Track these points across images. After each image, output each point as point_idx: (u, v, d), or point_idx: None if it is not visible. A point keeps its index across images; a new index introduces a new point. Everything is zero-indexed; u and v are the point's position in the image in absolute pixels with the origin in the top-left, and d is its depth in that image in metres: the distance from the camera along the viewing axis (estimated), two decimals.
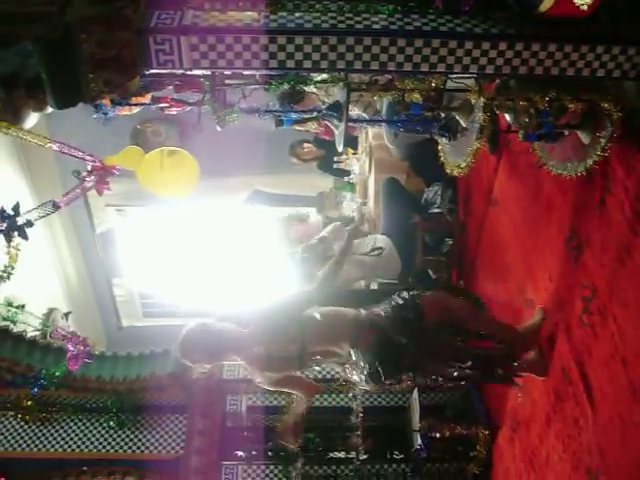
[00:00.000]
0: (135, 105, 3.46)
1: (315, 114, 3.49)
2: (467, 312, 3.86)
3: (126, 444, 5.14)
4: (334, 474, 5.21)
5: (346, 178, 7.71)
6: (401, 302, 3.71)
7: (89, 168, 4.35)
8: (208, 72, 2.94)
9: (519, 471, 4.43)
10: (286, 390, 3.98)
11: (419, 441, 4.94)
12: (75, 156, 4.10)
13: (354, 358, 3.68)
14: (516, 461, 4.47)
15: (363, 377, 3.69)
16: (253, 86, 3.16)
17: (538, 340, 4.03)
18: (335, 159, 7.49)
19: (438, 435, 4.95)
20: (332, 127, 3.40)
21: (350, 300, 3.93)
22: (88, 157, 4.19)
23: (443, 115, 3.40)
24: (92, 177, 4.31)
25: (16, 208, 3.79)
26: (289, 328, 3.68)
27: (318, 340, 3.72)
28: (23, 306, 4.45)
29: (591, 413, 3.49)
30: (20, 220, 3.89)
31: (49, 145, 3.93)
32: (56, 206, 3.95)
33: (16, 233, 3.83)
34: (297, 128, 6.29)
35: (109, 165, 4.36)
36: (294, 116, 3.44)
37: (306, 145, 7.69)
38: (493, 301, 5.05)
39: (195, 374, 5.17)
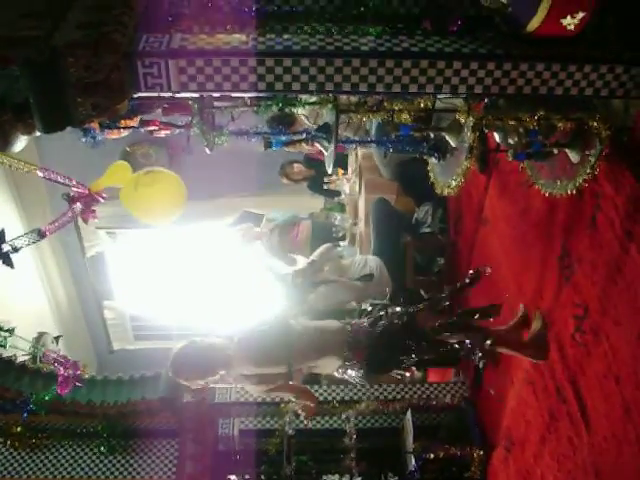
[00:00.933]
0: (124, 128, 3.46)
1: (305, 136, 3.49)
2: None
3: (117, 469, 5.06)
4: None
5: (336, 199, 7.71)
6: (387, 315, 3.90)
7: (74, 195, 4.30)
8: (196, 95, 2.94)
9: None
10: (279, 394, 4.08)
11: (413, 463, 4.91)
12: (61, 183, 4.06)
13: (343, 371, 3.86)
14: None
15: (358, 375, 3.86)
16: (242, 108, 3.16)
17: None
18: (325, 180, 7.49)
19: (432, 456, 4.92)
20: (322, 148, 3.40)
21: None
22: (74, 184, 4.15)
23: (432, 135, 3.41)
24: (78, 205, 4.26)
25: (1, 235, 3.73)
26: (274, 350, 3.77)
27: (304, 356, 3.83)
28: (12, 330, 4.39)
29: (586, 432, 3.47)
30: (5, 247, 3.83)
31: (35, 171, 3.90)
32: (42, 234, 3.90)
33: (0, 261, 3.77)
34: (288, 149, 6.32)
35: (95, 191, 4.32)
36: (283, 138, 3.44)
37: (296, 165, 7.70)
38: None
39: (188, 396, 5.14)
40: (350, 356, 3.83)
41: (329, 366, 3.95)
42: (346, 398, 5.42)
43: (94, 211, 4.10)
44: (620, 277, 3.13)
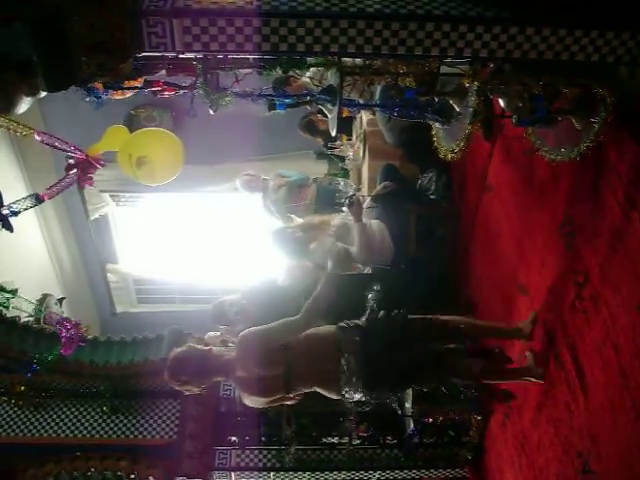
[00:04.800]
0: (128, 89, 3.44)
1: (308, 98, 3.47)
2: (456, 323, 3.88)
3: (119, 429, 5.13)
4: (327, 459, 5.23)
5: (340, 164, 7.68)
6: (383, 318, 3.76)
7: (71, 162, 4.29)
8: (201, 55, 2.93)
9: (511, 455, 4.46)
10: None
11: (412, 426, 4.96)
12: (58, 148, 4.05)
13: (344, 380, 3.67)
14: (508, 446, 4.50)
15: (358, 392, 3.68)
16: (246, 70, 3.14)
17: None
18: (329, 145, 7.46)
19: (431, 420, 4.98)
20: (325, 111, 3.38)
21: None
22: (72, 149, 4.15)
23: (437, 100, 3.39)
24: (75, 170, 4.26)
25: None
26: (272, 356, 3.63)
27: (303, 367, 3.68)
28: (15, 291, 4.43)
29: (583, 398, 3.50)
30: (4, 211, 3.84)
31: (33, 135, 3.89)
32: (39, 199, 3.91)
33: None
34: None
35: (93, 157, 4.31)
36: (287, 100, 3.42)
37: (320, 115, 7.55)
38: (485, 286, 5.08)
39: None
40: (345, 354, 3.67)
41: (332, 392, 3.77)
42: None
43: (91, 178, 4.10)
44: (621, 245, 3.14)
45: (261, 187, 7.18)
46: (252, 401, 3.80)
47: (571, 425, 3.60)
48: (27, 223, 8.69)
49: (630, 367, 3.07)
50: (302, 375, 3.68)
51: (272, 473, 5.30)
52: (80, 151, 4.06)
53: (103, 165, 4.21)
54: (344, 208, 5.66)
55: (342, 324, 3.81)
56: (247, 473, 5.23)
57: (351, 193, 5.76)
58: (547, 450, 3.90)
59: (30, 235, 9.03)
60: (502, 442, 4.64)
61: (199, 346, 3.90)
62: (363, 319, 3.81)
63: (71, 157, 4.22)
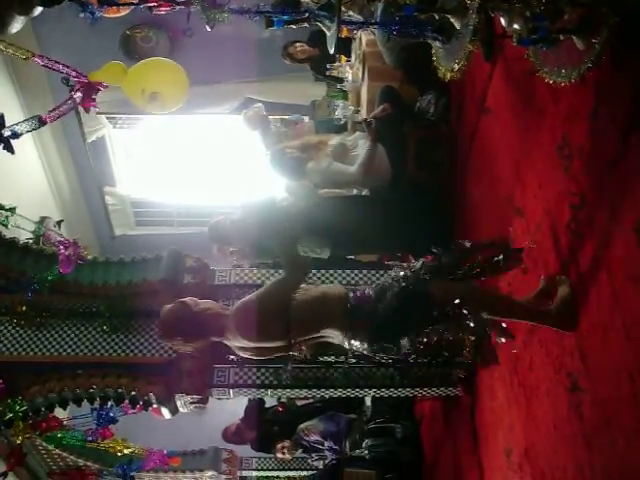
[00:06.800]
0: (123, 5, 3.38)
1: (307, 15, 3.41)
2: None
3: (120, 348, 5.22)
4: (323, 376, 5.33)
5: (339, 85, 7.61)
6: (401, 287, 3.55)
7: (74, 84, 4.24)
8: None
9: (503, 375, 4.56)
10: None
11: (407, 346, 5.04)
12: (60, 71, 3.99)
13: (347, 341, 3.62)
14: (500, 366, 4.58)
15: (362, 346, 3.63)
16: None
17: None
18: (328, 66, 7.38)
19: (425, 340, 5.05)
20: (324, 29, 3.33)
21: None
22: (73, 72, 4.08)
23: (437, 17, 3.33)
24: (78, 93, 4.20)
25: (1, 120, 3.69)
26: (271, 324, 3.51)
27: (304, 328, 3.59)
28: (14, 209, 4.43)
29: (575, 318, 3.55)
30: (5, 133, 3.80)
31: (33, 59, 3.82)
32: (42, 121, 3.86)
33: (1, 146, 3.74)
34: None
35: (95, 81, 4.25)
36: (285, 17, 3.36)
37: (299, 44, 7.54)
38: (482, 209, 5.09)
39: (188, 278, 5.23)
40: (351, 325, 3.57)
41: (333, 337, 3.68)
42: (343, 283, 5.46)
43: (94, 99, 4.05)
44: (617, 168, 3.13)
45: (262, 121, 7.16)
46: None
47: (562, 345, 3.66)
48: (24, 147, 8.66)
49: (622, 289, 3.11)
50: (302, 332, 3.59)
51: (269, 390, 5.42)
52: (82, 75, 4.01)
53: (107, 87, 4.17)
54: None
55: (352, 297, 3.62)
56: (245, 390, 5.35)
57: (370, 116, 5.74)
58: (538, 369, 3.99)
59: (28, 159, 9.01)
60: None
61: (192, 301, 3.69)
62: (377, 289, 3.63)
63: (71, 81, 4.17)
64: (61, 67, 3.92)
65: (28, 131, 3.82)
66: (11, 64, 8.20)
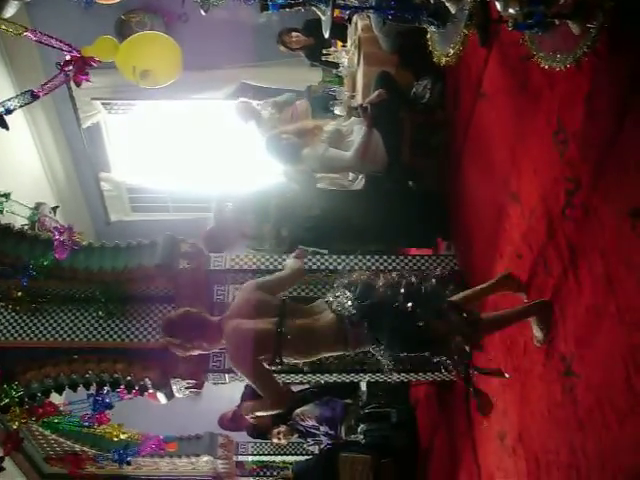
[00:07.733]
0: None
1: None
2: None
3: (115, 333, 5.23)
4: (319, 362, 5.29)
5: (334, 71, 7.59)
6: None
7: (67, 58, 4.23)
8: None
9: (497, 360, 4.57)
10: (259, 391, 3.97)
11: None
12: (52, 46, 3.98)
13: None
14: (495, 350, 4.60)
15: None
16: None
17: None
18: (324, 51, 7.35)
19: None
20: (319, 13, 3.32)
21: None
22: (66, 47, 4.07)
23: (432, 2, 3.32)
24: (71, 67, 4.20)
25: None
26: (262, 338, 3.72)
27: (296, 358, 3.88)
28: (8, 195, 4.42)
29: (569, 303, 3.57)
30: None
31: (26, 34, 3.81)
32: (35, 96, 3.85)
33: None
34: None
35: (87, 56, 4.24)
36: (280, 1, 3.34)
37: (294, 34, 7.54)
38: (478, 195, 5.10)
39: (184, 263, 5.23)
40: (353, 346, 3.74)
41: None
42: (338, 268, 5.44)
43: (87, 74, 4.04)
44: (613, 153, 3.13)
45: (253, 113, 7.16)
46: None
47: (556, 329, 3.68)
48: (20, 134, 8.64)
49: (616, 273, 3.12)
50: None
51: None
52: (75, 50, 4.00)
53: (99, 62, 4.16)
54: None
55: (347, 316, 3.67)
56: (240, 375, 5.35)
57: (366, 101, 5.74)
58: (532, 354, 4.00)
59: (23, 146, 8.99)
60: (490, 346, 4.74)
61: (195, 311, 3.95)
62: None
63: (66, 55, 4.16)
64: (54, 42, 3.90)
65: (21, 106, 3.82)
66: (3, 44, 8.16)
